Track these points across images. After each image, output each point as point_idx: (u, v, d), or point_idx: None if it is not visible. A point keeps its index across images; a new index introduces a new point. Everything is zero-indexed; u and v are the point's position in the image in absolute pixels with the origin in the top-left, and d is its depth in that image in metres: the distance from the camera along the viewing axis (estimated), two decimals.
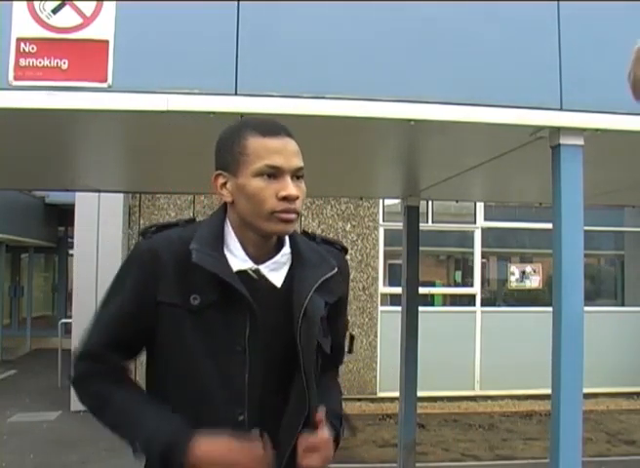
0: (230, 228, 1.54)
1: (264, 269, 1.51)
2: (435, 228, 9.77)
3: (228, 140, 1.55)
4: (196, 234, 1.51)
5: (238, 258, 1.50)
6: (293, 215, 1.47)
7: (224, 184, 1.53)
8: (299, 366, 1.49)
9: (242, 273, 1.48)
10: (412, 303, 4.66)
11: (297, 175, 1.48)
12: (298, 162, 1.48)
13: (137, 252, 1.56)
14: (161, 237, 1.54)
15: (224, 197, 1.53)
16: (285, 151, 1.47)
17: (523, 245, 10.60)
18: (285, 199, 1.45)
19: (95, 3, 2.19)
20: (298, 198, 1.47)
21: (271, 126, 1.51)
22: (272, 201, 1.45)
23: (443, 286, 10.51)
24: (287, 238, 1.56)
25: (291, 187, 1.45)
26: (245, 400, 1.46)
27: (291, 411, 1.49)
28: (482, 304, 9.66)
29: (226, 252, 1.50)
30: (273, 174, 1.45)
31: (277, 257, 1.52)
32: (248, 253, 1.51)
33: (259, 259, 1.51)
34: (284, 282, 1.52)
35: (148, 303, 1.50)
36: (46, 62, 2.16)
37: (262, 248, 1.52)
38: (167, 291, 1.48)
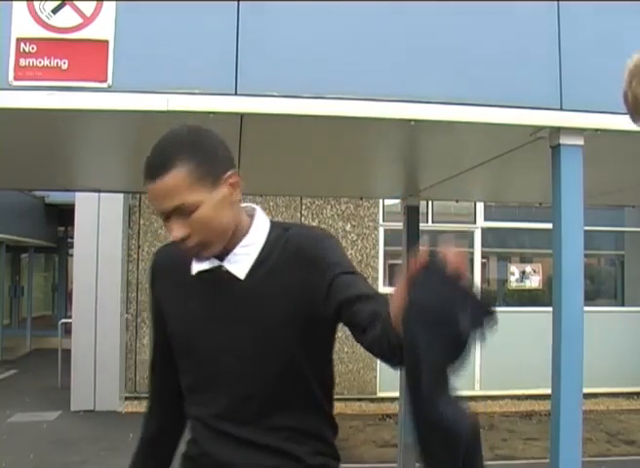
0: None
1: (226, 263, 1.52)
2: (435, 228, 9.77)
3: None
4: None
5: (202, 262, 1.53)
6: (193, 252, 1.48)
7: None
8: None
9: (207, 271, 1.52)
10: None
11: (177, 213, 1.43)
12: (168, 204, 1.41)
13: None
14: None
15: None
16: (155, 196, 1.43)
17: (523, 245, 10.61)
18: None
19: (95, 3, 2.19)
20: (182, 239, 1.44)
21: (146, 167, 1.44)
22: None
23: None
24: (252, 228, 1.55)
25: (173, 230, 1.44)
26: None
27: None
28: None
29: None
30: (162, 216, 1.45)
31: (236, 250, 1.52)
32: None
33: (224, 256, 1.52)
34: (252, 272, 1.51)
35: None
36: (46, 62, 2.17)
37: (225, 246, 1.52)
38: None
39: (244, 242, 1.53)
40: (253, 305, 1.50)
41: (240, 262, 1.52)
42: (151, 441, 1.73)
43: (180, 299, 1.59)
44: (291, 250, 1.50)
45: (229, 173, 1.47)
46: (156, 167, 1.42)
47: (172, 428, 1.72)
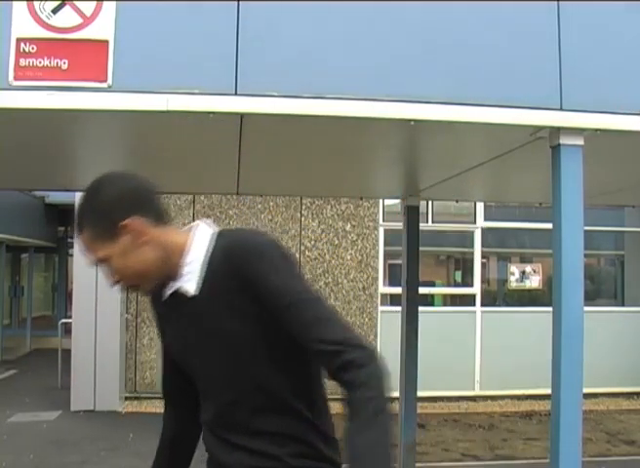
0: None
1: (181, 284, 1.60)
2: (435, 228, 9.77)
3: None
4: None
5: (167, 287, 1.63)
6: (133, 290, 1.68)
7: None
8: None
9: (173, 295, 1.62)
10: (412, 303, 4.66)
11: (99, 264, 1.58)
12: (92, 255, 1.57)
13: None
14: None
15: None
16: (82, 250, 1.59)
17: (523, 245, 10.61)
18: None
19: (95, 3, 2.19)
20: (115, 284, 1.58)
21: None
22: None
23: (443, 286, 10.52)
24: (193, 245, 1.60)
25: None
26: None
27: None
28: (482, 304, 9.66)
29: None
30: None
31: (184, 269, 1.60)
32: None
33: (177, 279, 1.61)
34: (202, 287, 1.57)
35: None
36: (46, 62, 2.16)
37: (169, 272, 1.60)
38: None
39: (187, 260, 1.59)
40: (209, 319, 1.57)
41: (190, 281, 1.59)
42: (168, 441, 1.85)
43: (162, 320, 1.73)
44: (229, 261, 1.53)
45: (126, 221, 1.53)
46: (78, 222, 1.59)
47: (185, 429, 1.82)
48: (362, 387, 1.40)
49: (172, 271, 1.58)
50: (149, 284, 1.60)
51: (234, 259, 1.51)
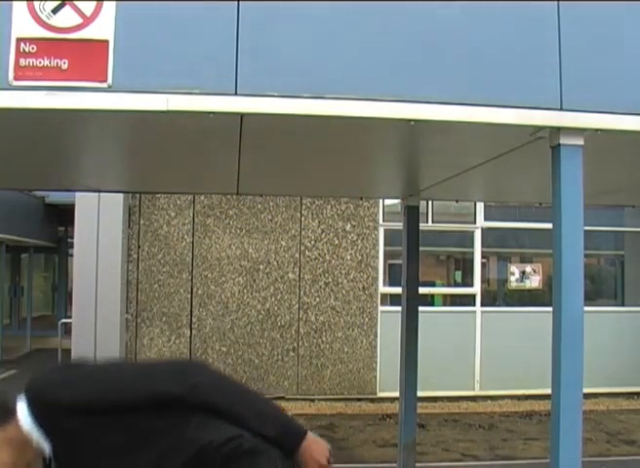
0: None
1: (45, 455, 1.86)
2: (435, 228, 9.77)
3: None
4: None
5: None
6: None
7: None
8: None
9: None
10: (412, 303, 4.66)
11: None
12: None
13: None
14: None
15: None
16: None
17: (523, 245, 10.61)
18: None
19: (95, 3, 2.19)
20: None
21: None
22: None
23: (443, 286, 10.52)
24: (23, 427, 1.83)
25: None
26: None
27: None
28: (482, 304, 9.67)
29: None
30: None
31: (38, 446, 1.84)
32: None
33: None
34: None
35: None
36: (46, 62, 2.16)
37: (33, 457, 1.85)
38: None
39: (31, 438, 1.83)
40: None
41: (45, 449, 1.82)
42: None
43: None
44: (44, 409, 1.83)
45: None
46: None
47: None
48: None
49: (35, 455, 1.81)
50: None
51: (46, 406, 1.80)
